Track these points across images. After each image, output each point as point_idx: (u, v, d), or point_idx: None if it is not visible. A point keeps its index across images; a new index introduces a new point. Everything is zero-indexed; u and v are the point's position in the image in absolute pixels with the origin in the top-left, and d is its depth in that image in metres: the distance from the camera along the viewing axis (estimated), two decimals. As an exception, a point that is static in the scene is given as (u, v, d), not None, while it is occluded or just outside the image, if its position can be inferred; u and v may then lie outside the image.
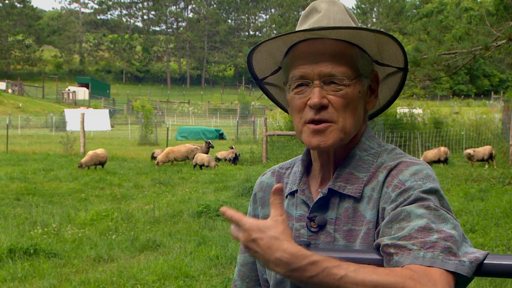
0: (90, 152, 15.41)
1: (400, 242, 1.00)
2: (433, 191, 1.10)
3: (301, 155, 1.37)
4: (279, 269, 1.01)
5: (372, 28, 1.21)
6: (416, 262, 0.96)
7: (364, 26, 1.24)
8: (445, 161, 15.02)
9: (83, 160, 15.06)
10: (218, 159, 17.02)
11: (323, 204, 1.24)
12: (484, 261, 0.98)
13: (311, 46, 1.21)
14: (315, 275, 0.97)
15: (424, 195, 1.08)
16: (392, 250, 1.01)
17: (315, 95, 1.18)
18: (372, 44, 1.24)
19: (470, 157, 14.66)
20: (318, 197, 1.24)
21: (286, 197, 1.34)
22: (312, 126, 1.20)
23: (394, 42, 1.24)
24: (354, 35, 1.20)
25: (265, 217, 1.37)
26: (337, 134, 1.20)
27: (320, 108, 1.18)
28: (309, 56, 1.20)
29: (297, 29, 1.30)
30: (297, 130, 1.26)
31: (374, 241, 1.11)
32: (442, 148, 15.27)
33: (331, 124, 1.19)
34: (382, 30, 1.21)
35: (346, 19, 1.26)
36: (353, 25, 1.27)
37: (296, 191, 1.31)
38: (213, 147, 18.54)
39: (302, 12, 1.32)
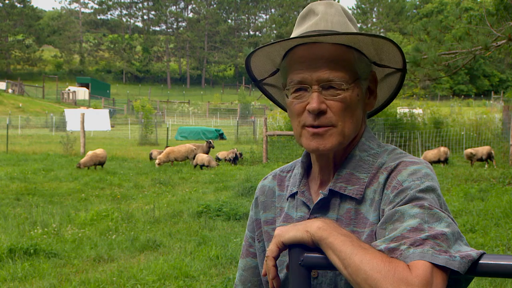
0: (89, 152, 15.41)
1: (392, 245, 1.01)
2: (430, 190, 1.10)
3: (301, 157, 1.37)
4: (314, 224, 1.05)
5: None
6: (407, 260, 0.97)
7: (361, 31, 1.24)
8: (445, 161, 15.02)
9: (82, 160, 15.06)
10: (218, 159, 17.04)
11: (323, 205, 1.24)
12: (481, 261, 0.97)
13: (309, 50, 1.20)
14: (341, 235, 1.03)
15: (420, 195, 1.09)
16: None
17: (313, 101, 1.18)
18: (369, 47, 1.24)
19: (471, 157, 14.67)
20: (319, 198, 1.24)
21: (287, 199, 1.35)
22: (311, 129, 1.20)
23: (392, 44, 1.24)
24: (351, 39, 1.20)
25: (267, 221, 1.38)
26: (336, 137, 1.20)
27: (319, 113, 1.19)
28: (306, 61, 1.20)
29: (294, 30, 1.30)
30: (296, 133, 1.26)
31: None
32: (442, 148, 15.24)
33: (330, 127, 1.20)
34: (379, 34, 1.21)
35: (343, 21, 1.25)
36: (351, 26, 1.26)
37: (296, 193, 1.32)
38: (213, 147, 18.62)
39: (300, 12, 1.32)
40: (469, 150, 14.89)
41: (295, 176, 1.36)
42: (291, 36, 1.26)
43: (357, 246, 1.00)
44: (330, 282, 1.19)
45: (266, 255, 1.09)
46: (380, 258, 0.97)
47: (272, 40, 1.25)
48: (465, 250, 0.99)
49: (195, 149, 16.70)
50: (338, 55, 1.20)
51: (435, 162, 14.85)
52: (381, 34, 1.21)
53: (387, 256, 0.98)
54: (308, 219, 1.24)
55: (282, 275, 1.25)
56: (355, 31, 1.26)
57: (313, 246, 1.04)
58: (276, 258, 1.08)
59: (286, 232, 1.07)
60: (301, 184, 1.32)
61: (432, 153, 15.15)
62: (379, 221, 1.15)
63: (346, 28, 1.24)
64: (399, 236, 1.01)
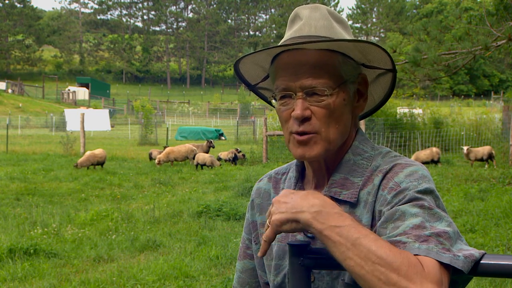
0: (87, 152, 15.41)
1: (395, 238, 1.01)
2: (428, 192, 1.10)
3: (296, 160, 1.36)
4: (306, 214, 1.02)
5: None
6: (412, 252, 0.96)
7: (353, 34, 1.23)
8: (438, 161, 15.22)
9: (79, 160, 15.06)
10: (219, 159, 17.05)
11: None
12: (482, 261, 0.97)
13: (292, 57, 1.20)
14: (338, 226, 0.99)
15: (419, 195, 1.08)
16: None
17: (297, 108, 1.19)
18: (354, 51, 1.24)
19: (466, 155, 14.79)
20: None
21: None
22: (297, 137, 1.21)
23: (376, 47, 1.23)
24: (333, 44, 1.19)
25: (263, 223, 1.38)
26: (321, 144, 1.20)
27: (303, 120, 1.19)
28: (290, 68, 1.20)
29: (286, 32, 1.30)
30: (286, 139, 1.26)
31: None
32: (434, 149, 15.51)
33: (314, 135, 1.20)
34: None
35: (328, 24, 1.24)
36: (337, 29, 1.25)
37: None
38: (214, 147, 18.62)
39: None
40: (465, 148, 15.01)
41: (290, 180, 1.36)
42: (283, 39, 1.26)
43: (364, 234, 0.98)
44: (327, 286, 1.18)
45: (263, 239, 1.08)
46: (389, 247, 0.96)
47: (272, 43, 1.24)
48: (467, 249, 0.99)
49: (195, 149, 16.71)
50: (321, 60, 1.19)
51: (426, 163, 14.92)
52: (376, 37, 1.20)
53: (394, 249, 0.96)
54: None
55: (279, 278, 1.27)
56: (341, 33, 1.25)
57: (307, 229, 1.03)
58: (271, 240, 1.08)
59: (280, 221, 1.05)
60: (296, 187, 1.32)
61: (424, 154, 15.35)
62: (372, 222, 1.15)
63: (331, 31, 1.23)
64: (402, 233, 1.01)
